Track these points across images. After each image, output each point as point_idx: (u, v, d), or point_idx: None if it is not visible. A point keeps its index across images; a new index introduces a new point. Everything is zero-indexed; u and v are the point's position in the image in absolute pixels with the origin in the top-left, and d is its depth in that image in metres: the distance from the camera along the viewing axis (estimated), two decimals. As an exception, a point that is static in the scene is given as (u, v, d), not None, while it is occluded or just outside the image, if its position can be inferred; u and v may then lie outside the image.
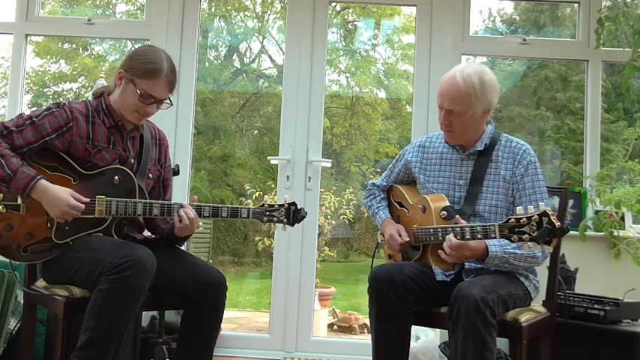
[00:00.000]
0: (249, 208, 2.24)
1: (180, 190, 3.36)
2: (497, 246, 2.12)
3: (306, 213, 2.31)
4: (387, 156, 7.89)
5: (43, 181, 2.04)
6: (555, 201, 2.45)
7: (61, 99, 7.74)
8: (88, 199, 2.10)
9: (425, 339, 3.11)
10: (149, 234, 2.41)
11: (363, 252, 8.70)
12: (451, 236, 2.08)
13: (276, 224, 2.27)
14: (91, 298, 1.96)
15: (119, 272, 1.92)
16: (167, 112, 2.50)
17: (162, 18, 3.55)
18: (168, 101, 2.23)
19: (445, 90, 2.23)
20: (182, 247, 2.40)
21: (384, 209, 2.52)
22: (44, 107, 2.17)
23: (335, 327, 5.07)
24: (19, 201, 2.08)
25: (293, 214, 2.27)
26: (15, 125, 2.08)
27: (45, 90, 7.86)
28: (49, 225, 2.11)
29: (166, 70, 2.18)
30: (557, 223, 1.87)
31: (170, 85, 2.21)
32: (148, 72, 2.16)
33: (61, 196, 2.04)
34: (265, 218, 2.25)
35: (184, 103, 3.48)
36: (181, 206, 2.19)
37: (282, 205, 2.27)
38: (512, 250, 2.12)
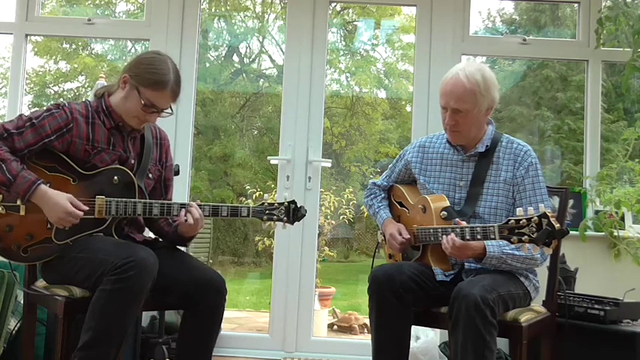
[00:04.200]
0: (249, 207, 2.23)
1: (181, 190, 3.35)
2: (495, 246, 2.12)
3: (306, 211, 2.31)
4: (387, 156, 7.89)
5: (43, 187, 2.03)
6: (555, 201, 2.45)
7: (61, 99, 7.74)
8: (87, 208, 2.09)
9: (425, 339, 3.11)
10: (150, 234, 2.41)
11: (363, 252, 8.70)
12: (454, 236, 2.08)
13: (276, 222, 2.26)
14: (93, 298, 1.96)
15: (122, 273, 1.92)
16: (167, 112, 2.49)
17: (163, 18, 3.55)
18: (169, 110, 2.23)
19: (449, 90, 2.23)
20: (182, 248, 2.40)
21: (384, 208, 2.52)
22: (44, 108, 2.15)
23: (335, 327, 5.07)
24: (19, 202, 2.07)
25: (293, 213, 2.27)
26: (15, 127, 2.08)
27: (45, 90, 7.86)
28: (48, 225, 2.10)
29: (172, 82, 2.17)
30: (557, 225, 1.87)
31: (174, 96, 2.21)
32: (154, 83, 2.15)
33: (60, 202, 2.04)
34: (265, 217, 2.24)
35: (184, 103, 3.47)
36: (185, 206, 2.18)
37: (282, 204, 2.26)
38: (510, 251, 2.12)
